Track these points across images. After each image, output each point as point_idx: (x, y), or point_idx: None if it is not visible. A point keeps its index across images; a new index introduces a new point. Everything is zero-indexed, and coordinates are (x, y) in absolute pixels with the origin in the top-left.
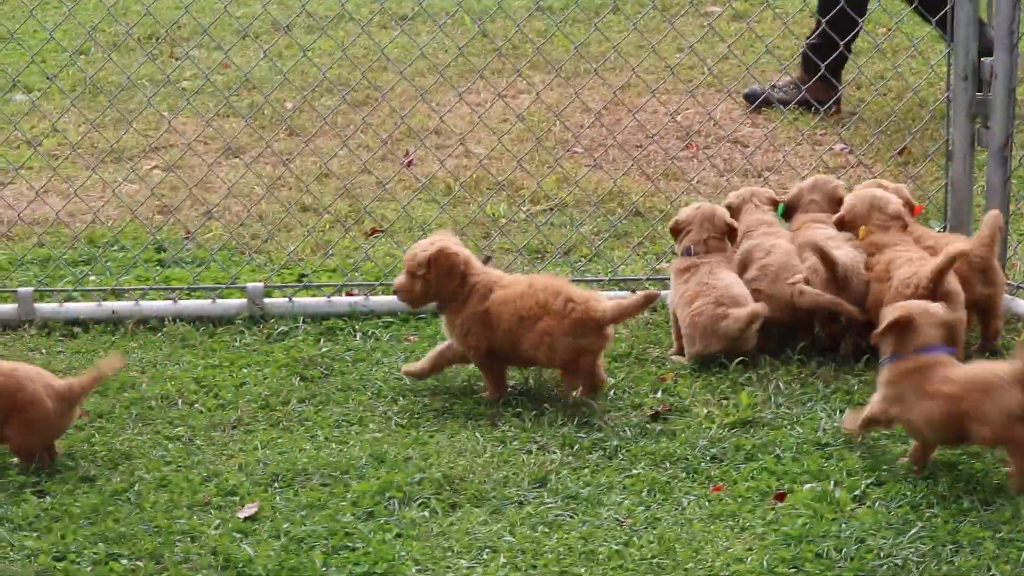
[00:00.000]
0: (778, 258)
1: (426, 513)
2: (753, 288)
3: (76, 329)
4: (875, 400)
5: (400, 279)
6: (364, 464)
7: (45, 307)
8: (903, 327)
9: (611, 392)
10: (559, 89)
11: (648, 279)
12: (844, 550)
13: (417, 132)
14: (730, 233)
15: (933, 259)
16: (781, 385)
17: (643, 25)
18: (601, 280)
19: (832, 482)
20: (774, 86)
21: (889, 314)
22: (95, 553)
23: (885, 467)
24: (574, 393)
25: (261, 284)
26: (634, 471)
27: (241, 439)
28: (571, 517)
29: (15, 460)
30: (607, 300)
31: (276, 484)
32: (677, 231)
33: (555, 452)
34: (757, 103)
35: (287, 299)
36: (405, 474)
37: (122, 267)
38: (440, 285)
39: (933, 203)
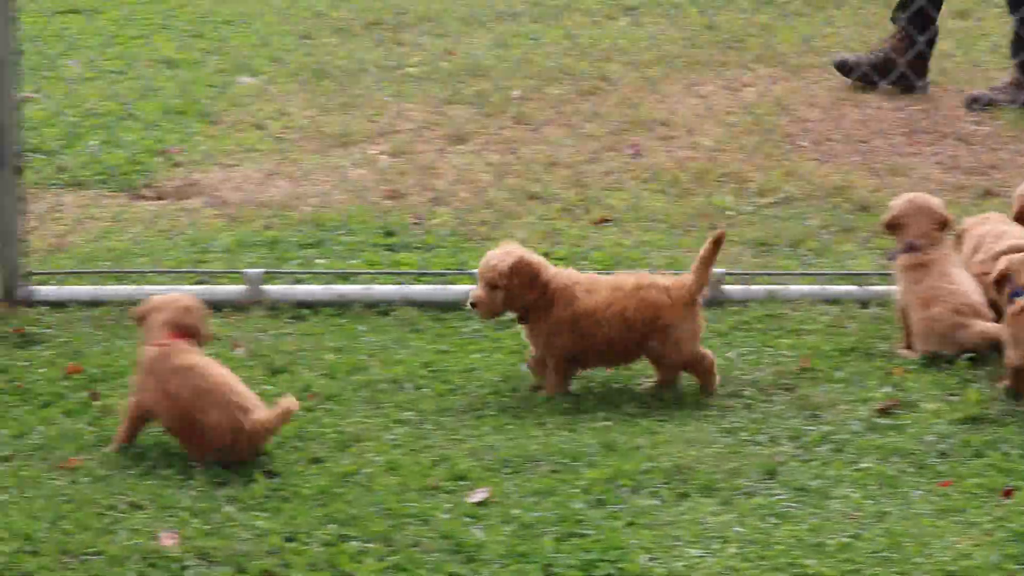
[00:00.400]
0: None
1: (656, 501)
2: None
3: (304, 311)
4: None
5: (477, 292)
6: (594, 452)
7: (274, 289)
8: None
9: (838, 386)
10: (784, 83)
11: (876, 274)
12: None
13: (645, 122)
14: (945, 223)
15: None
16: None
17: (866, 20)
18: (826, 274)
19: None
20: (992, 88)
21: None
22: (325, 534)
23: None
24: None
25: None
26: (862, 465)
27: (471, 424)
28: (800, 509)
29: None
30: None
31: (506, 469)
32: (894, 226)
33: (784, 444)
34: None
35: None
36: (635, 462)
37: (350, 250)
38: (522, 295)
39: None
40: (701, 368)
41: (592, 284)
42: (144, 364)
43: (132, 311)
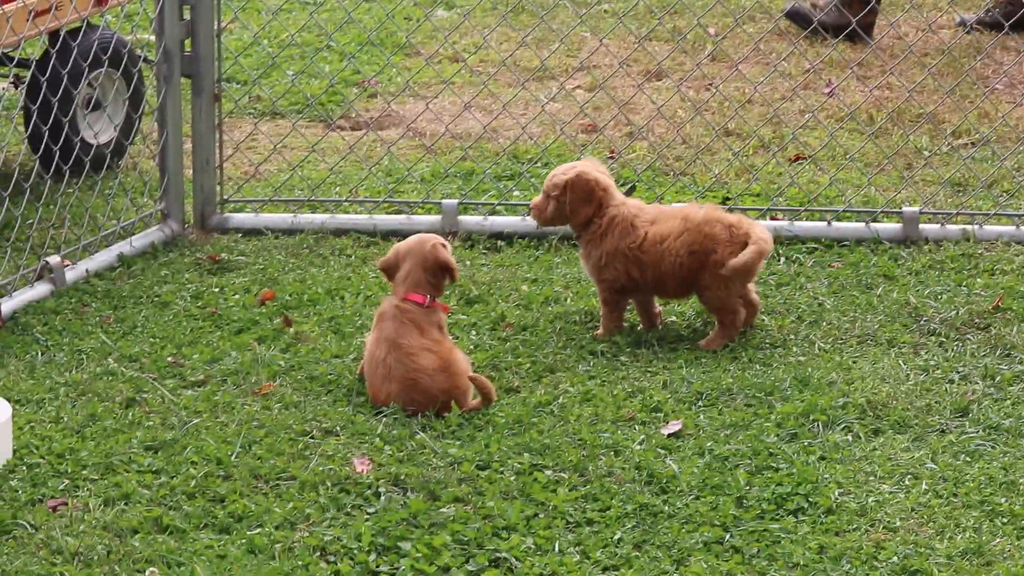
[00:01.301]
0: None
1: (849, 437)
2: None
3: (500, 243)
4: None
5: (537, 199)
6: (788, 386)
7: (469, 220)
8: None
9: None
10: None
11: None
12: None
13: (840, 61)
14: None
15: None
16: None
17: None
18: (1022, 215)
19: None
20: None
21: None
22: (519, 463)
23: None
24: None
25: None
26: None
27: (665, 357)
28: (992, 447)
29: None
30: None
31: (700, 402)
32: None
33: (977, 383)
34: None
35: None
36: (828, 398)
37: None
38: (575, 210)
39: None
40: (736, 313)
41: (656, 215)
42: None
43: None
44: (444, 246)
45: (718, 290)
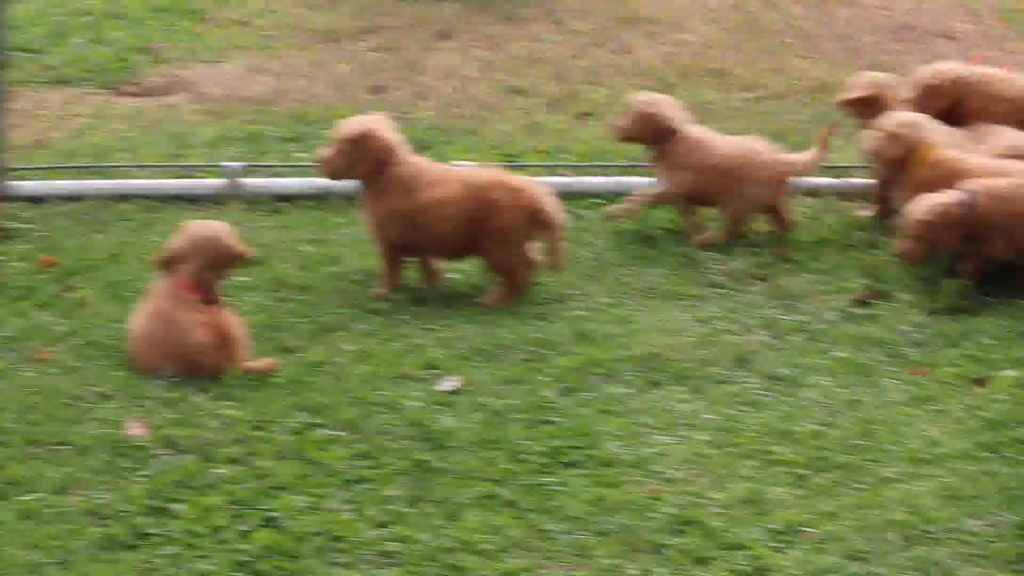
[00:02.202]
0: None
1: (627, 389)
2: None
3: (283, 204)
4: None
5: (324, 151)
6: (566, 340)
7: (253, 182)
8: None
9: (815, 276)
10: None
11: (861, 167)
12: None
13: (631, 19)
14: None
15: None
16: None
17: None
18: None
19: None
20: None
21: None
22: (294, 422)
23: None
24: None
25: None
26: (836, 354)
27: (444, 314)
28: (771, 397)
29: None
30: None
31: (477, 358)
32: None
33: (757, 333)
34: None
35: None
36: (607, 351)
37: None
38: (359, 165)
39: None
40: (519, 275)
41: (441, 176)
42: None
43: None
44: (231, 236)
45: (500, 253)
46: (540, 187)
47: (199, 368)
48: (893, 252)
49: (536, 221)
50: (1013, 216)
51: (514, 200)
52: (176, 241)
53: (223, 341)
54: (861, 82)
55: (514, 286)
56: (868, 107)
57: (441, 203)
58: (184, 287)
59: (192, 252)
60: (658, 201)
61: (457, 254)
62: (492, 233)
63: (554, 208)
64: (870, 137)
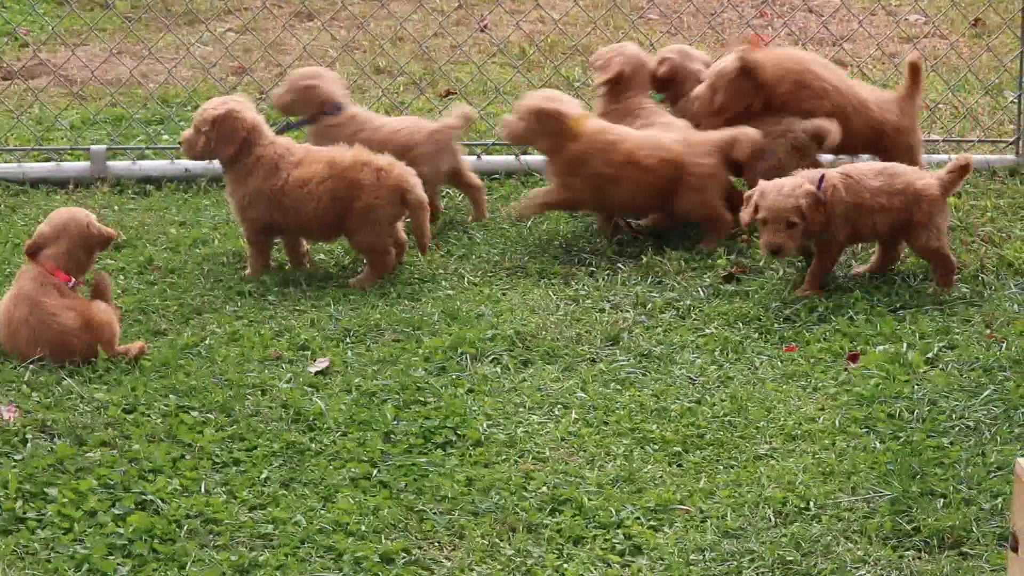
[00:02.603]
0: None
1: (498, 369)
2: None
3: (149, 187)
4: None
5: (187, 132)
6: (436, 320)
7: (118, 165)
8: None
9: (684, 253)
10: None
11: None
12: (916, 411)
13: None
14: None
15: None
16: (857, 249)
17: None
18: None
19: (905, 344)
20: None
21: None
22: (165, 405)
23: (958, 330)
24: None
25: None
26: (707, 331)
27: (313, 295)
28: (643, 375)
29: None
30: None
31: (348, 339)
32: None
33: (628, 311)
34: None
35: None
36: (477, 330)
37: None
38: (221, 147)
39: (1010, 74)
40: (385, 256)
41: (305, 156)
42: None
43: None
44: (95, 220)
45: (366, 234)
46: (404, 166)
47: (69, 352)
48: (762, 247)
49: (402, 201)
50: (855, 203)
51: (378, 180)
52: (42, 226)
53: (91, 324)
54: (611, 60)
55: (381, 266)
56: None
57: (303, 183)
58: (51, 271)
59: (57, 236)
60: None
61: (323, 235)
62: (357, 213)
63: (419, 188)
64: (509, 118)
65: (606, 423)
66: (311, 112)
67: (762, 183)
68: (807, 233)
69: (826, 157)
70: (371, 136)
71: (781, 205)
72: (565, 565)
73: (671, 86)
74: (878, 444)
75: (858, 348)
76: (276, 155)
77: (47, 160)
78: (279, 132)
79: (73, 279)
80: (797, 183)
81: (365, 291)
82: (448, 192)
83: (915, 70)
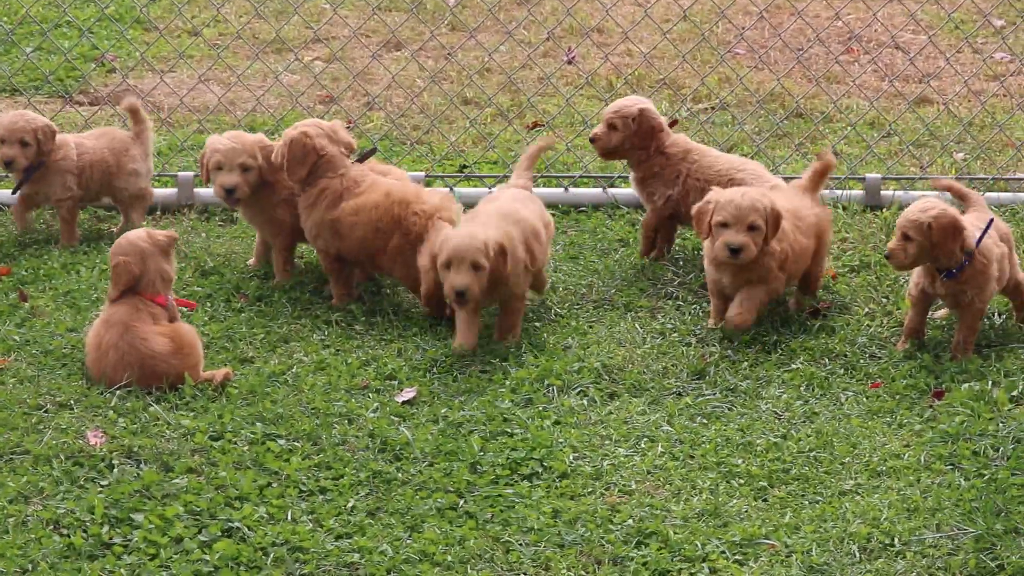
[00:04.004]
0: None
1: (584, 401)
2: None
3: (235, 214)
4: None
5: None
6: (523, 352)
7: (205, 192)
8: None
9: None
10: None
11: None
12: (1001, 448)
13: (580, 29)
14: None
15: None
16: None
17: None
18: None
19: (990, 382)
20: None
21: None
22: (252, 433)
23: None
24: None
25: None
26: (793, 366)
27: (400, 325)
28: (729, 409)
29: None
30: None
31: (434, 370)
32: None
33: (714, 345)
34: None
35: (448, 189)
36: (564, 362)
37: None
38: (291, 169)
39: None
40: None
41: (370, 186)
42: None
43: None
44: (149, 231)
45: (399, 270)
46: (452, 206)
47: (156, 378)
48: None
49: None
50: None
51: (418, 220)
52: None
53: (180, 350)
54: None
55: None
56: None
57: (355, 211)
58: (151, 298)
59: (141, 264)
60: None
61: (373, 265)
62: (390, 250)
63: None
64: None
65: (692, 457)
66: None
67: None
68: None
69: None
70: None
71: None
72: None
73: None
74: (963, 481)
75: (943, 385)
76: (343, 186)
77: None
78: (359, 159)
79: (169, 296)
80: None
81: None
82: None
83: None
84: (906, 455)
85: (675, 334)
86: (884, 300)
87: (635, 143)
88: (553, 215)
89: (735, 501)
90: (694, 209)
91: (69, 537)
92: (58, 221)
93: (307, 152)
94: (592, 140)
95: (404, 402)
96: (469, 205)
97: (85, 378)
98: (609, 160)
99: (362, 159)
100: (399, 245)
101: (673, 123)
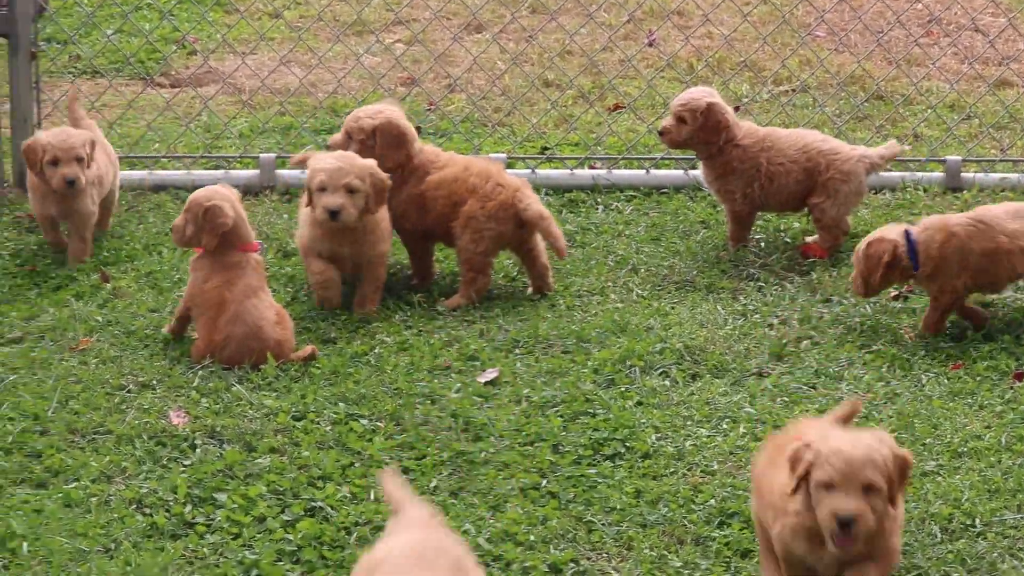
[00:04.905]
0: None
1: (667, 382)
2: None
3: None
4: None
5: (336, 137)
6: (605, 333)
7: (287, 173)
8: None
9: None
10: None
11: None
12: None
13: (660, 12)
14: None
15: None
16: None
17: None
18: None
19: None
20: None
21: None
22: (335, 413)
23: None
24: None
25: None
26: (874, 347)
27: (482, 306)
28: (811, 390)
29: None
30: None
31: (517, 350)
32: None
33: (796, 326)
34: None
35: (530, 171)
36: (646, 343)
37: None
38: (384, 156)
39: None
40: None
41: (447, 161)
42: None
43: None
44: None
45: (465, 241)
46: (524, 187)
47: (261, 344)
48: None
49: (517, 222)
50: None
51: (490, 193)
52: (221, 218)
53: (283, 319)
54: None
55: (472, 284)
56: None
57: (437, 185)
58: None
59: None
60: None
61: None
62: (462, 217)
63: (533, 203)
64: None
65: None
66: None
67: None
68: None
69: None
70: None
71: None
72: None
73: None
74: None
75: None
76: (421, 164)
77: (216, 168)
78: None
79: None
80: None
81: (532, 300)
82: (613, 206)
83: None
84: (987, 436)
85: (756, 315)
86: None
87: (702, 138)
88: (634, 197)
89: None
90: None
91: (152, 516)
92: (139, 203)
93: (399, 136)
94: (660, 133)
95: (486, 382)
96: (551, 188)
97: (167, 358)
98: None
99: None
100: (471, 211)
101: (736, 109)
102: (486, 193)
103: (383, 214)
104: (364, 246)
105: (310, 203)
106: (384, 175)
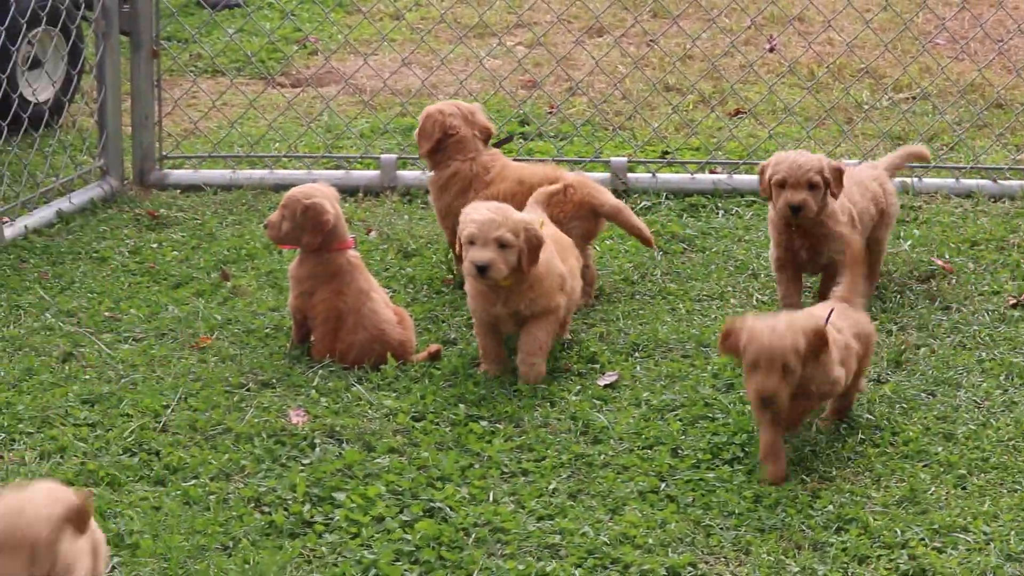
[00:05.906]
0: None
1: None
2: None
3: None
4: None
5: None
6: None
7: (408, 174)
8: None
9: (970, 278)
10: None
11: (1009, 168)
12: None
13: (781, 17)
14: None
15: None
16: None
17: None
18: (962, 168)
19: None
20: None
21: None
22: (454, 414)
23: None
24: None
25: (622, 159)
26: (992, 355)
27: (603, 309)
28: (929, 397)
29: None
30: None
31: (636, 354)
32: None
33: (913, 333)
34: None
35: (651, 175)
36: None
37: None
38: (419, 143)
39: None
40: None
41: (499, 173)
42: None
43: None
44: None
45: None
46: (593, 182)
47: (384, 344)
48: None
49: (594, 215)
50: None
51: (564, 195)
52: (322, 216)
53: (404, 320)
54: None
55: None
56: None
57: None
58: (343, 247)
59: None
60: None
61: None
62: None
63: (607, 197)
64: None
65: (892, 444)
66: None
67: None
68: None
69: None
70: None
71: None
72: None
73: None
74: None
75: None
76: (472, 173)
77: (336, 168)
78: (496, 144)
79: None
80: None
81: (653, 303)
82: (733, 211)
83: None
84: None
85: (875, 322)
86: None
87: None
88: (755, 202)
89: (934, 488)
90: None
91: (270, 515)
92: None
93: (435, 128)
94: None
95: (606, 386)
96: (671, 192)
97: (287, 357)
98: None
99: (499, 144)
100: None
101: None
102: (557, 200)
103: (550, 267)
104: (521, 304)
105: (460, 254)
106: (540, 232)
